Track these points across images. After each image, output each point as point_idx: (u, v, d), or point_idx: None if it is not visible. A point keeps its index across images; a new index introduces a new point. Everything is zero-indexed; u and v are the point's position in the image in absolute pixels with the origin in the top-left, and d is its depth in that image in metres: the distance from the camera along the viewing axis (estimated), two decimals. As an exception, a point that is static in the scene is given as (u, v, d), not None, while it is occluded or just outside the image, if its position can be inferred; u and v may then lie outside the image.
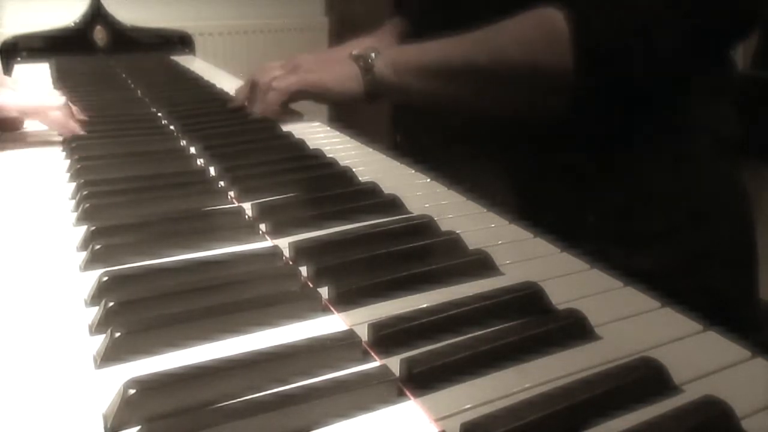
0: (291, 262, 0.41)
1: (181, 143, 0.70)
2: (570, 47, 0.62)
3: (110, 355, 0.30)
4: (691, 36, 0.63)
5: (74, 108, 0.75)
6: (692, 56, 0.66)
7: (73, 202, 0.51)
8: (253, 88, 0.83)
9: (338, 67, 0.76)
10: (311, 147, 0.67)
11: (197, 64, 1.42)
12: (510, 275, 0.39)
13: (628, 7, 0.61)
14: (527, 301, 0.34)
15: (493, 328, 0.32)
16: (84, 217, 0.47)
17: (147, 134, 0.74)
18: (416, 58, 0.73)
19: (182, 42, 1.73)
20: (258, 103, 0.80)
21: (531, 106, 0.69)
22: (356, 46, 0.99)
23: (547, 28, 0.64)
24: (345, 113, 1.44)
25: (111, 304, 0.33)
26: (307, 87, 0.77)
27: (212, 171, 0.59)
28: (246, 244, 0.43)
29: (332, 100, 0.81)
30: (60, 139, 0.71)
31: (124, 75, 1.19)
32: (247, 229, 0.45)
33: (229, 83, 1.08)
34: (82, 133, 0.72)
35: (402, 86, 0.73)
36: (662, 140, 0.70)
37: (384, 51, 0.75)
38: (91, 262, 0.40)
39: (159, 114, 0.84)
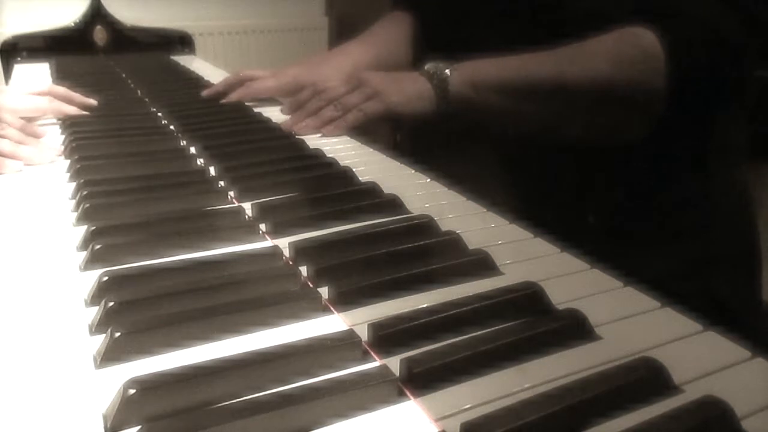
0: (291, 262, 0.41)
1: (181, 143, 0.70)
2: (665, 68, 0.61)
3: (110, 355, 0.30)
4: (759, 51, 0.63)
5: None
6: (752, 72, 0.66)
7: (73, 202, 0.51)
8: (310, 99, 0.76)
9: (410, 86, 0.72)
10: (311, 147, 0.67)
11: (197, 64, 1.42)
12: (510, 275, 0.39)
13: (715, 26, 0.61)
14: (527, 301, 0.34)
15: (493, 328, 0.32)
16: (84, 217, 0.47)
17: (147, 134, 0.74)
18: (497, 74, 0.69)
19: (182, 42, 1.73)
20: (334, 121, 0.74)
21: (612, 128, 0.68)
22: (355, 47, 0.97)
23: (642, 48, 0.63)
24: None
25: (111, 304, 0.33)
26: (387, 114, 0.72)
27: (212, 171, 0.59)
28: (246, 244, 0.43)
29: (401, 121, 0.74)
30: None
31: (124, 75, 1.19)
32: (247, 229, 0.45)
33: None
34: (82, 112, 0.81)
35: (479, 104, 0.69)
36: (671, 146, 0.69)
37: (460, 66, 0.71)
38: (91, 262, 0.40)
39: (159, 114, 0.84)
